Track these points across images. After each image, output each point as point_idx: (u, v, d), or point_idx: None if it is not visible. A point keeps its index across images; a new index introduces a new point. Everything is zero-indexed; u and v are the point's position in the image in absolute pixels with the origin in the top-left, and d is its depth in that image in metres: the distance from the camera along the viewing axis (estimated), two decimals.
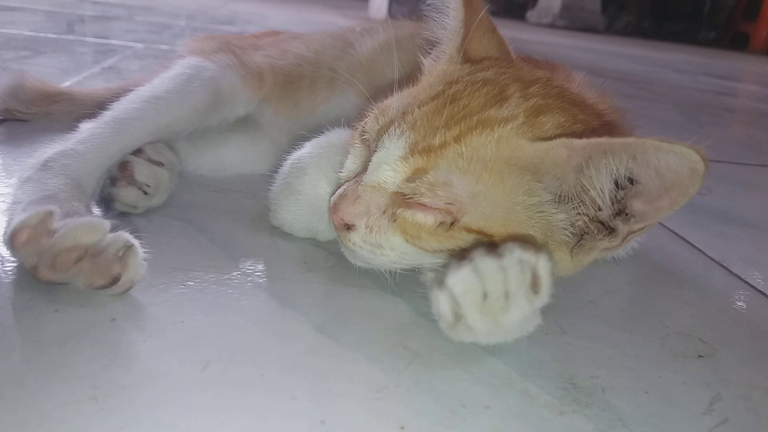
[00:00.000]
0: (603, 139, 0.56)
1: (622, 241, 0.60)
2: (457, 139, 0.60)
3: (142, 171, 0.79)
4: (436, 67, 0.72)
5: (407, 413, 0.51)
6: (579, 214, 0.61)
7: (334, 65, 1.00)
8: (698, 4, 6.93)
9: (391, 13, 4.17)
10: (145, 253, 0.62)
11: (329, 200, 0.66)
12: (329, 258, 0.75)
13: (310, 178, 0.73)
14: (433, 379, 0.55)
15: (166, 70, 0.90)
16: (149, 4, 3.60)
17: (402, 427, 0.49)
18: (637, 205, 0.58)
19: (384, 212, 0.62)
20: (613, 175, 0.57)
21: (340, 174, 0.70)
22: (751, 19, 6.38)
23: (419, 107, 0.64)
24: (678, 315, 0.74)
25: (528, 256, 0.53)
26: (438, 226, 0.60)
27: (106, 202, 0.79)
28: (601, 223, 0.60)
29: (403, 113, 0.64)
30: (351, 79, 0.98)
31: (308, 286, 0.69)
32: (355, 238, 0.63)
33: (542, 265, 0.54)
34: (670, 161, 0.53)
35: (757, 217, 1.17)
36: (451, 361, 0.58)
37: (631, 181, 0.57)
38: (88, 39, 2.13)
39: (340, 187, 0.66)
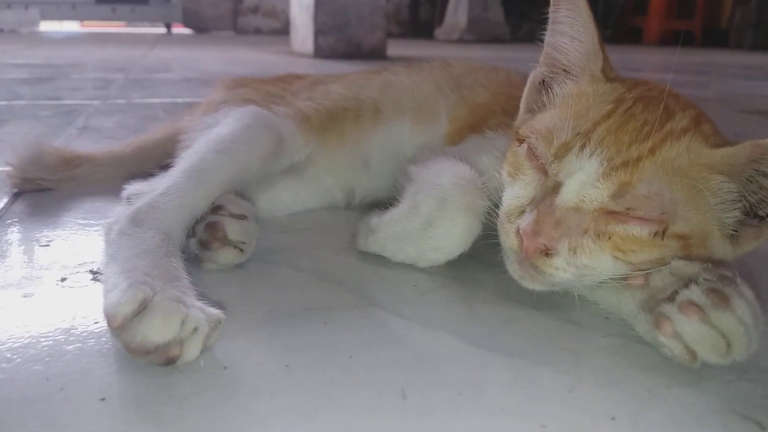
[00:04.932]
0: None
1: None
2: (652, 151, 0.62)
3: (234, 229, 0.77)
4: (579, 87, 0.72)
5: (606, 406, 0.54)
6: (750, 209, 0.64)
7: (377, 100, 1.03)
8: (592, 6, 7.40)
9: (317, 45, 4.16)
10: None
11: (511, 229, 0.66)
12: (434, 280, 0.77)
13: (450, 213, 0.74)
14: (608, 372, 0.59)
15: (224, 120, 0.90)
16: (75, 61, 3.49)
17: (613, 418, 0.52)
18: None
19: (585, 232, 0.63)
20: None
21: (511, 202, 0.69)
22: (642, 14, 6.79)
23: (596, 126, 0.65)
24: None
25: (746, 290, 0.57)
26: (653, 236, 0.61)
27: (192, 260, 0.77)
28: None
29: (580, 133, 0.65)
30: (395, 114, 1.01)
31: (436, 306, 0.71)
32: (559, 262, 0.63)
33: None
34: None
35: None
36: (610, 358, 0.62)
37: None
38: (41, 102, 2.05)
39: (518, 215, 0.67)
